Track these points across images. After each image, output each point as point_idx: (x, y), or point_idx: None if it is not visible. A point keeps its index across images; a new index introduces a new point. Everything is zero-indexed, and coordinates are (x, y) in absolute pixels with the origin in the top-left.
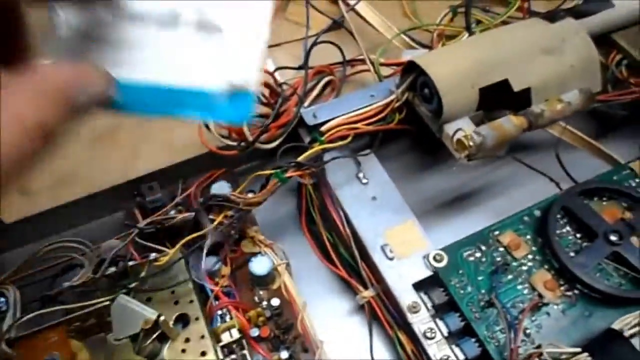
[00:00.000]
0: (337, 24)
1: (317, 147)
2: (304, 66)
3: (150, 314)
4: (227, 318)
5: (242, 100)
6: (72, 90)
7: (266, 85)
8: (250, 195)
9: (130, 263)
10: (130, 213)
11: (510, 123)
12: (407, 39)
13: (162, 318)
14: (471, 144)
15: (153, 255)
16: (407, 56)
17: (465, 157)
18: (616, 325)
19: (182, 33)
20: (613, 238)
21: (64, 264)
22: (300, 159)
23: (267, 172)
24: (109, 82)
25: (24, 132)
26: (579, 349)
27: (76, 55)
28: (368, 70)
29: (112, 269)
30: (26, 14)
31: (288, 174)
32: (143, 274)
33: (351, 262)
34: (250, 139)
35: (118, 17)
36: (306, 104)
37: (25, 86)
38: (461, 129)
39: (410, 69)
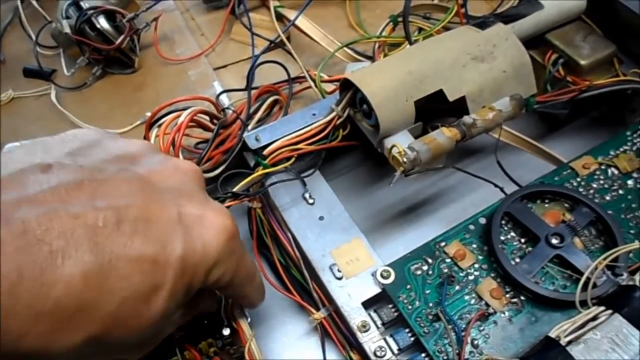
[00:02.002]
0: (276, 45)
1: (258, 173)
2: (247, 89)
3: None
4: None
5: None
6: None
7: (205, 112)
8: None
9: None
10: None
11: (443, 136)
12: (351, 52)
13: None
14: (405, 160)
15: None
16: (350, 69)
17: (402, 173)
18: (553, 333)
19: None
20: (554, 241)
21: None
22: (241, 185)
23: None
24: None
25: None
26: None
27: None
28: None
29: None
30: None
31: (227, 204)
32: None
33: (303, 284)
34: None
35: None
36: (251, 126)
37: None
38: (395, 145)
39: (348, 85)
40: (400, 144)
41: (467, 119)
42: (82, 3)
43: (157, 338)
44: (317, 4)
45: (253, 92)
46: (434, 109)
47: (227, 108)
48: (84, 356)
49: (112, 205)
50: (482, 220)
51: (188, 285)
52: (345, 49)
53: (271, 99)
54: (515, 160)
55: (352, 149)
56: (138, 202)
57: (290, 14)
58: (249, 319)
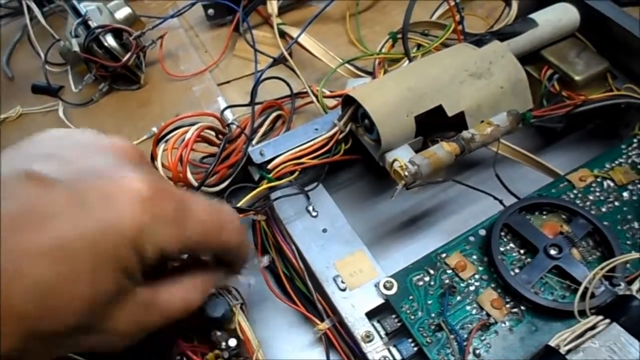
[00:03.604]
0: (278, 61)
1: (262, 187)
2: (251, 104)
3: None
4: None
5: None
6: None
7: (211, 128)
8: None
9: None
10: None
11: (442, 150)
12: (351, 68)
13: None
14: (406, 173)
15: None
16: (351, 85)
17: (403, 187)
18: (552, 342)
19: None
20: (553, 252)
21: None
22: (246, 199)
23: None
24: None
25: None
26: None
27: None
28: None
29: None
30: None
31: None
32: None
33: (307, 295)
34: (195, 184)
35: None
36: (255, 141)
37: None
38: (397, 160)
39: (350, 101)
40: (402, 158)
41: (465, 133)
42: (90, 22)
43: (122, 319)
44: (318, 21)
45: (257, 107)
46: (433, 124)
47: (232, 123)
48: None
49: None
50: (482, 232)
51: (115, 267)
52: (346, 64)
53: (274, 114)
54: (513, 173)
55: (353, 162)
56: (31, 194)
57: (293, 31)
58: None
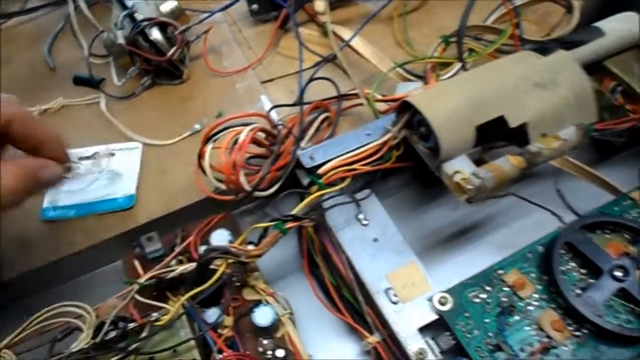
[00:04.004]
0: (328, 60)
1: (315, 194)
2: (299, 104)
3: None
4: None
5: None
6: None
7: (262, 130)
8: (250, 247)
9: (131, 325)
10: (129, 265)
11: (508, 164)
12: (401, 71)
13: None
14: (470, 187)
15: (155, 315)
16: (401, 89)
17: (466, 200)
18: None
19: (103, 178)
20: (618, 274)
21: (62, 329)
22: (300, 206)
23: (266, 224)
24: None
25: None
26: None
27: None
28: (363, 104)
29: (112, 333)
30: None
31: (288, 226)
32: (144, 334)
33: (355, 306)
34: (248, 189)
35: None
36: (303, 143)
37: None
38: (459, 172)
39: (406, 107)
40: (464, 170)
41: (532, 147)
42: (136, 15)
43: None
44: (363, 21)
45: (304, 108)
46: (491, 134)
47: (280, 124)
48: None
49: None
50: (540, 249)
51: None
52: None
53: (323, 115)
54: (568, 186)
55: (401, 169)
56: None
57: (340, 30)
58: None
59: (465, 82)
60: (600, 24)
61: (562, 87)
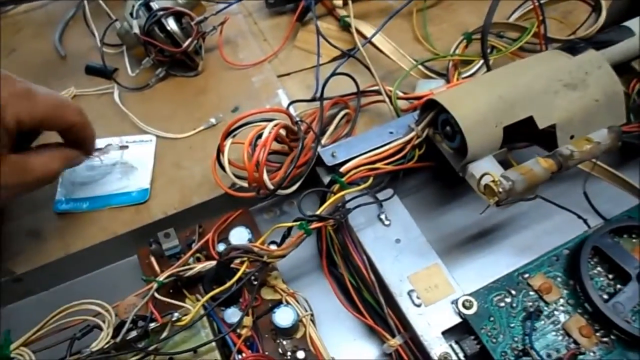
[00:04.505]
0: (348, 55)
1: (339, 194)
2: (319, 99)
3: None
4: None
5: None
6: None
7: (285, 127)
8: (273, 247)
9: (152, 325)
10: (144, 261)
11: (539, 166)
12: (421, 68)
13: None
14: (500, 190)
15: (176, 315)
16: (422, 86)
17: (495, 203)
18: None
19: (117, 171)
20: None
21: (81, 327)
22: (325, 206)
23: (290, 224)
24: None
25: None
26: None
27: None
28: (383, 101)
29: (133, 333)
30: None
31: (313, 226)
32: (165, 334)
33: (376, 308)
34: (272, 187)
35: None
36: (324, 140)
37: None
38: (488, 174)
39: (430, 105)
40: (494, 172)
41: (564, 150)
42: (152, 4)
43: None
44: (383, 16)
45: (324, 104)
46: (517, 134)
47: (301, 120)
48: None
49: None
50: (566, 252)
51: None
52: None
53: (343, 112)
54: (593, 189)
55: (422, 168)
56: None
57: (359, 25)
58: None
59: (493, 81)
60: (629, 23)
61: (592, 88)
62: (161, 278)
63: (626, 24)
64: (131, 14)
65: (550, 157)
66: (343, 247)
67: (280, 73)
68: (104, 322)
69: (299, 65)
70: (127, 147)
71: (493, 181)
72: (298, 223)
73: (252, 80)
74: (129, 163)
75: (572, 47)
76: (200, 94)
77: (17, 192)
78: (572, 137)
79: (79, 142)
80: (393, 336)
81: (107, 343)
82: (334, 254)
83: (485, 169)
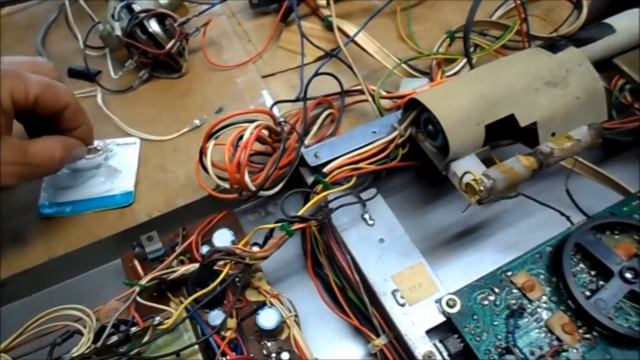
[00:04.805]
0: (331, 56)
1: (321, 195)
2: (302, 100)
3: None
4: None
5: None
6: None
7: (267, 127)
8: (255, 249)
9: (133, 329)
10: (128, 265)
11: (520, 164)
12: (405, 67)
13: None
14: (482, 188)
15: (157, 318)
16: (405, 85)
17: (476, 202)
18: None
19: (100, 174)
20: (629, 276)
21: (62, 332)
22: (306, 208)
23: (272, 225)
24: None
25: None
26: None
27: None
28: (366, 101)
29: (114, 338)
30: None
31: (295, 227)
32: (147, 338)
33: (361, 308)
34: (253, 189)
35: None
36: (307, 140)
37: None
38: (469, 172)
39: (413, 104)
40: (475, 170)
41: (544, 148)
42: (133, 6)
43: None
44: (366, 15)
45: (308, 104)
46: (498, 132)
47: (284, 121)
48: None
49: None
50: (549, 249)
51: None
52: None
53: (326, 112)
54: (576, 186)
55: (405, 167)
56: None
57: (342, 24)
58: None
59: (474, 80)
60: (610, 20)
61: (573, 86)
62: (143, 282)
63: (607, 20)
64: (113, 16)
65: (531, 155)
66: (327, 248)
67: (264, 73)
68: (84, 327)
69: (283, 65)
70: (111, 150)
71: (474, 180)
72: (280, 224)
73: (237, 81)
74: (113, 166)
75: (553, 45)
76: (185, 96)
77: (19, 176)
78: (553, 134)
79: (77, 127)
80: (378, 336)
81: (87, 348)
82: (319, 254)
83: (467, 168)
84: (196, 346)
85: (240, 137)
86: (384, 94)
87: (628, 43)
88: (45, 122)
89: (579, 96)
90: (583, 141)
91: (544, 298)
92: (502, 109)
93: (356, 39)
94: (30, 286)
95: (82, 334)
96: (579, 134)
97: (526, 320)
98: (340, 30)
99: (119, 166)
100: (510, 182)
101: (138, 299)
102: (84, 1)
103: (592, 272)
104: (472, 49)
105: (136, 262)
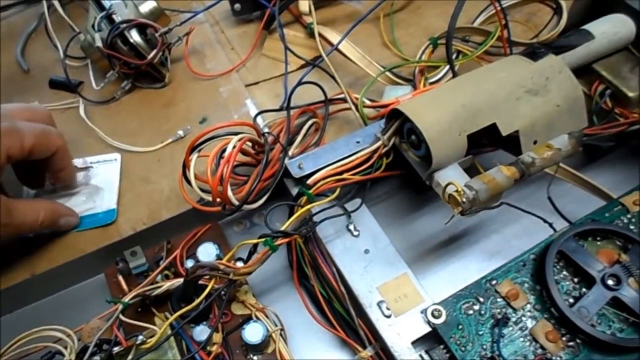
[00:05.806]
0: (315, 64)
1: (305, 208)
2: (286, 109)
3: None
4: None
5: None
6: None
7: (250, 140)
8: (240, 264)
9: (116, 349)
10: (112, 280)
11: (502, 175)
12: (389, 74)
13: None
14: (464, 200)
15: (140, 337)
16: (389, 93)
17: (459, 213)
18: None
19: (82, 193)
20: (611, 282)
21: (43, 354)
22: (289, 222)
23: (255, 241)
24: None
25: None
26: None
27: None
28: (350, 109)
29: (96, 358)
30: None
31: (278, 242)
32: (130, 357)
33: (347, 319)
34: (237, 203)
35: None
36: (291, 151)
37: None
38: (452, 183)
39: (396, 114)
40: (457, 181)
41: (526, 157)
42: (114, 16)
43: None
44: (350, 21)
45: (292, 113)
46: (481, 140)
47: (268, 133)
48: None
49: None
50: (533, 257)
51: None
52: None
53: (311, 121)
54: (558, 191)
55: (390, 176)
56: None
57: (325, 32)
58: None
59: (456, 89)
60: (589, 26)
61: (553, 93)
62: (127, 299)
63: (586, 27)
64: (93, 27)
65: (513, 165)
66: (313, 259)
67: (248, 82)
68: (66, 348)
69: (267, 73)
70: (91, 167)
71: (457, 191)
72: (263, 240)
73: (220, 91)
74: (94, 184)
75: (533, 53)
76: (168, 106)
77: (1, 232)
78: (535, 142)
79: (63, 168)
80: (364, 347)
81: None
82: (305, 265)
83: (450, 178)
84: None
85: (224, 150)
86: (368, 102)
87: (607, 49)
88: (34, 163)
89: (559, 104)
90: (564, 150)
91: (529, 306)
92: (483, 118)
93: (340, 46)
94: (12, 303)
95: (63, 355)
96: (560, 142)
97: (511, 329)
98: (323, 37)
99: (100, 184)
100: (492, 193)
101: (121, 317)
102: (63, 11)
103: (575, 279)
104: (454, 55)
105: (120, 278)
